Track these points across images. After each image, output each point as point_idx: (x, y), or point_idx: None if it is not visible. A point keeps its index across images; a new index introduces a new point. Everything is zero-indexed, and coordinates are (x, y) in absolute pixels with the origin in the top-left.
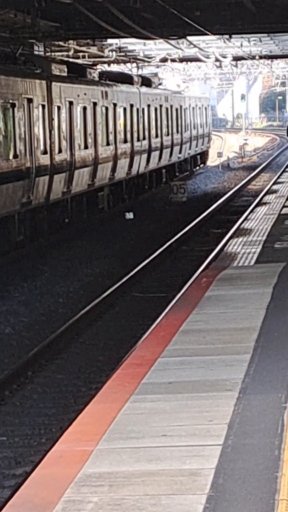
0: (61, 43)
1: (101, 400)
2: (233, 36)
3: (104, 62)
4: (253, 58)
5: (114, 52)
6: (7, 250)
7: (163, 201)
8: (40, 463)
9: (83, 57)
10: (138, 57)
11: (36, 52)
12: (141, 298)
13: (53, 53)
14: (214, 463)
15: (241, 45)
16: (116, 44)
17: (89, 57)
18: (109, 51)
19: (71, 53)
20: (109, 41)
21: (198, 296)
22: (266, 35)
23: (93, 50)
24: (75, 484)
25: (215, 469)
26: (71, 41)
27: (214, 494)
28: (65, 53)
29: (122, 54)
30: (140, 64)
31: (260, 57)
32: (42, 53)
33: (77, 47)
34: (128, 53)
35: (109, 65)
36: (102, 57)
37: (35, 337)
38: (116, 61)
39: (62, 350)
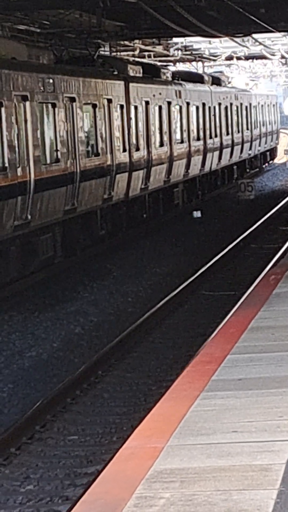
0: (126, 42)
1: (171, 398)
2: None
3: (170, 61)
4: None
5: (179, 51)
6: (90, 244)
7: (231, 199)
8: (112, 460)
9: (149, 56)
10: (203, 55)
11: (101, 52)
12: (210, 296)
13: (118, 53)
14: (284, 458)
15: None
16: (182, 43)
17: (154, 56)
18: (174, 50)
19: (136, 52)
20: (175, 40)
21: (267, 293)
22: None
23: (159, 49)
24: (147, 480)
25: (285, 464)
26: (136, 41)
27: (285, 489)
28: (130, 53)
29: (187, 52)
30: (205, 64)
31: None
32: (107, 53)
33: (143, 47)
34: (193, 52)
35: (174, 64)
36: (168, 56)
37: (105, 337)
38: (182, 60)
39: (132, 349)
